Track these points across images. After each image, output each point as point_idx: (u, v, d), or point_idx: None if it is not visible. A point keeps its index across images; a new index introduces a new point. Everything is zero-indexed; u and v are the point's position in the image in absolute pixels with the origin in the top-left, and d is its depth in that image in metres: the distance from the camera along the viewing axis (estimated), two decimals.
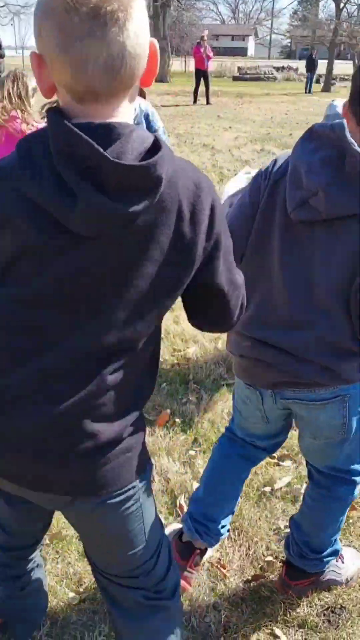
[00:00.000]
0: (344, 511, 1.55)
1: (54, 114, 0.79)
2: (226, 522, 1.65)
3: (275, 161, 1.31)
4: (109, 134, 0.78)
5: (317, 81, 26.47)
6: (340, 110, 3.08)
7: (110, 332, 0.90)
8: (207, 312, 1.07)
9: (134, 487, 1.03)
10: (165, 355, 2.90)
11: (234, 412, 1.64)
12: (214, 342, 3.02)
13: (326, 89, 24.73)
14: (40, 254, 0.85)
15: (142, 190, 0.80)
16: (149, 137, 0.82)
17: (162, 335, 2.98)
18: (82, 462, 0.95)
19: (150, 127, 2.76)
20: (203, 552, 1.68)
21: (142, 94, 2.77)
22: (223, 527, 1.64)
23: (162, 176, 0.80)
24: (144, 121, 2.74)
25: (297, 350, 1.28)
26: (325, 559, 1.58)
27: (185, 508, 1.89)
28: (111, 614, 1.20)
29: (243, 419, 1.58)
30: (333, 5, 26.02)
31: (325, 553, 1.57)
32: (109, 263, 0.86)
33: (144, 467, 1.07)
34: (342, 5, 25.53)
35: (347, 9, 26.78)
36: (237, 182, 2.03)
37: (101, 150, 0.75)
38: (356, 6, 28.47)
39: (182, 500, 1.94)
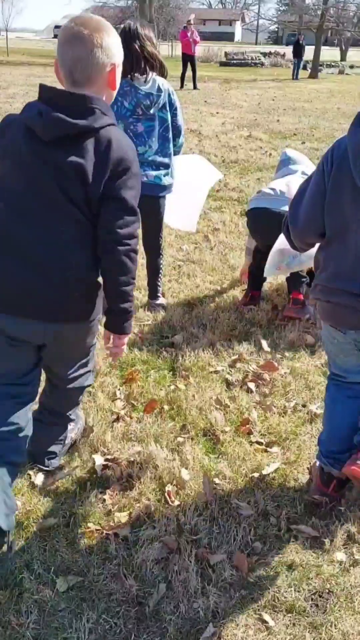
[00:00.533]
0: None
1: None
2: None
3: (333, 149, 1.64)
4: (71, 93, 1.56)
5: (305, 67, 26.33)
6: (292, 155, 3.27)
7: None
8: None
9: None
10: (153, 342, 2.88)
11: (328, 357, 1.97)
12: (202, 329, 3.01)
13: (313, 75, 24.65)
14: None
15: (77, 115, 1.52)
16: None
17: (150, 322, 2.94)
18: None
19: (172, 104, 2.93)
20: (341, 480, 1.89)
21: (164, 74, 2.92)
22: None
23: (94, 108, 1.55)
24: (167, 99, 2.89)
25: None
26: None
27: (173, 496, 1.89)
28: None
29: (336, 358, 1.89)
30: None
31: None
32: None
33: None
34: None
35: None
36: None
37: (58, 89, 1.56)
38: None
39: (171, 487, 1.94)
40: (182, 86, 16.13)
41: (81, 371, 1.88)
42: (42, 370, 1.82)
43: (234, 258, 4.00)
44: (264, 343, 2.89)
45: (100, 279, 1.67)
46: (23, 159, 1.56)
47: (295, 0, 28.06)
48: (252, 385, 2.56)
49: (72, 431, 2.09)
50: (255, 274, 3.29)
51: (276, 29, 56.57)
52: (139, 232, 1.69)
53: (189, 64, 16.41)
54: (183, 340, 2.91)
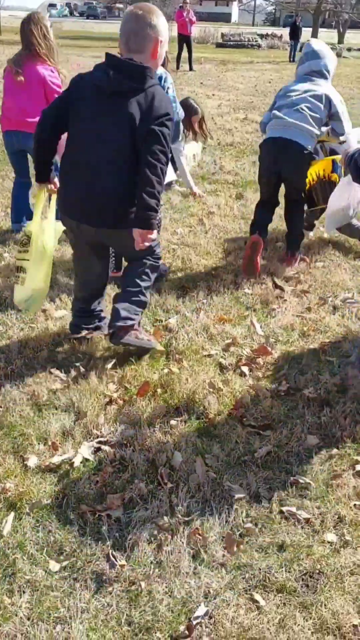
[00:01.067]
0: None
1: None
2: None
3: None
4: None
5: (302, 49, 26.01)
6: (316, 47, 3.42)
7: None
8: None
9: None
10: (147, 325, 2.87)
11: None
12: (196, 313, 3.00)
13: None
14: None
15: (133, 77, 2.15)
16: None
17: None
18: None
19: (162, 87, 3.00)
20: None
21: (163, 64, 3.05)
22: None
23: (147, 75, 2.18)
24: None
25: None
26: None
27: (166, 478, 1.90)
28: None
29: None
30: None
31: None
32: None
33: None
34: None
35: None
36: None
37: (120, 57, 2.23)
38: None
39: (163, 470, 1.94)
40: (177, 67, 15.90)
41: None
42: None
43: (228, 242, 3.98)
44: (258, 327, 2.89)
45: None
46: (90, 107, 2.23)
47: None
48: (245, 369, 2.56)
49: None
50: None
51: (273, 10, 55.79)
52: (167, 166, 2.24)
53: (184, 45, 16.16)
54: (177, 323, 2.90)
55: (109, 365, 2.51)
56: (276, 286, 3.31)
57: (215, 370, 2.54)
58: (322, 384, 2.45)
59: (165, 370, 2.52)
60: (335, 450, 2.08)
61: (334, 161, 3.57)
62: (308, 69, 3.54)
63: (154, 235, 2.25)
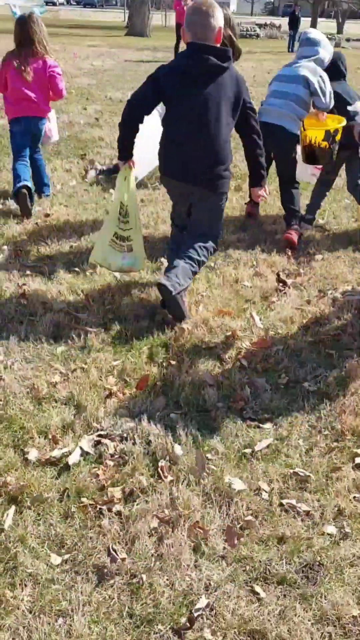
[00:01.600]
0: None
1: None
2: None
3: None
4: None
5: (299, 40, 25.86)
6: (310, 35, 3.76)
7: None
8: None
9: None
10: (146, 318, 2.86)
11: None
12: (195, 306, 2.99)
13: None
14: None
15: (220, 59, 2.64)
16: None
17: (144, 296, 2.89)
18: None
19: None
20: None
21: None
22: None
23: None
24: None
25: None
26: None
27: (167, 471, 1.90)
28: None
29: None
30: None
31: None
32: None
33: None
34: None
35: None
36: None
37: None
38: None
39: (164, 463, 1.95)
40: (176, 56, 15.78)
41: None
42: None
43: (227, 234, 3.97)
44: (257, 320, 2.89)
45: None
46: (184, 88, 2.66)
47: None
48: (245, 362, 2.56)
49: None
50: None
51: (272, 0, 55.28)
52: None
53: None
54: (178, 321, 2.89)
55: (110, 358, 2.51)
56: (279, 280, 3.30)
57: (215, 364, 2.54)
58: (322, 377, 2.45)
59: (165, 364, 2.52)
60: (335, 444, 2.09)
61: (327, 131, 3.71)
62: (300, 54, 3.83)
63: (265, 188, 3.06)
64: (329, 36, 26.87)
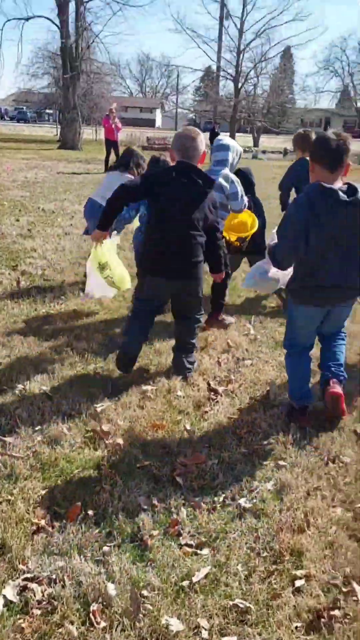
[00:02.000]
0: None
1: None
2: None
3: (295, 200, 2.93)
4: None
5: None
6: (221, 141, 4.32)
7: None
8: None
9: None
10: (77, 437, 2.78)
11: (295, 335, 3.11)
12: (128, 421, 2.95)
13: None
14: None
15: (199, 176, 3.30)
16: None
17: (74, 412, 2.81)
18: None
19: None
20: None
21: None
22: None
23: None
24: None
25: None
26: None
27: (99, 616, 1.77)
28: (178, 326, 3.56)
29: (302, 335, 3.09)
30: (232, 84, 28.30)
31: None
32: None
33: None
34: (240, 85, 27.78)
35: (245, 88, 29.13)
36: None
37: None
38: (252, 86, 31.11)
39: (96, 606, 1.81)
40: (106, 169, 16.72)
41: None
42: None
43: (159, 341, 4.03)
44: (190, 430, 2.87)
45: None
46: (170, 191, 3.20)
47: (210, 93, 30.42)
48: (180, 480, 2.50)
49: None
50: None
51: (194, 117, 60.83)
52: None
53: (112, 149, 17.13)
54: (110, 434, 2.84)
55: (38, 487, 2.38)
56: (210, 388, 3.34)
57: (150, 484, 2.47)
58: (257, 491, 2.43)
59: (97, 488, 2.42)
60: (274, 566, 2.03)
61: (239, 237, 4.61)
62: (214, 159, 4.31)
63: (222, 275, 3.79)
64: (246, 149, 29.67)
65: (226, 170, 4.21)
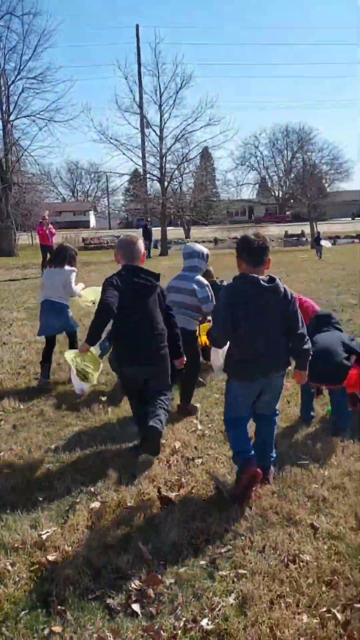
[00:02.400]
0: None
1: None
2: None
3: (225, 288, 3.32)
4: None
5: (155, 246, 29.41)
6: (189, 249, 4.74)
7: None
8: None
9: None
10: (21, 572, 2.56)
11: (232, 408, 3.37)
12: (75, 545, 2.76)
13: (163, 252, 27.48)
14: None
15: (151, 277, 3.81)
16: None
17: (18, 544, 2.60)
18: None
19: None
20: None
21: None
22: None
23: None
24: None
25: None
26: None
27: None
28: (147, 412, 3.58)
29: (239, 407, 3.34)
30: (159, 184, 29.96)
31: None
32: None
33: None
34: (165, 184, 29.46)
35: (171, 187, 30.90)
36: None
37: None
38: (178, 184, 33.06)
39: None
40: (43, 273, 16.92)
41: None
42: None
43: (106, 451, 3.89)
44: (145, 551, 2.71)
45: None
46: (130, 295, 3.60)
47: (139, 194, 32.02)
48: (136, 608, 2.33)
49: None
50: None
51: (126, 216, 63.58)
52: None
53: (47, 254, 17.46)
54: (58, 563, 2.63)
55: None
56: (161, 497, 3.22)
57: (104, 619, 2.28)
58: (219, 608, 2.29)
59: (47, 631, 2.20)
60: None
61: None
62: (186, 265, 4.68)
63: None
64: (178, 240, 30.92)
65: (199, 276, 4.59)
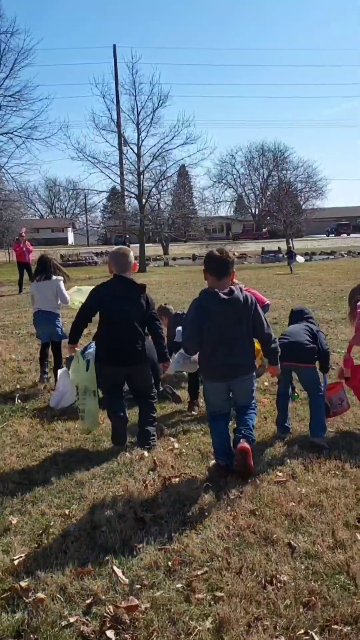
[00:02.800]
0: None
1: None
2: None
3: (192, 302, 3.66)
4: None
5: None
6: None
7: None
8: None
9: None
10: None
11: (209, 404, 3.81)
12: (51, 570, 2.69)
13: (142, 269, 27.45)
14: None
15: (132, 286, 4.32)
16: None
17: None
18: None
19: None
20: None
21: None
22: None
23: None
24: None
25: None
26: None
27: None
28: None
29: (214, 403, 3.77)
30: (137, 201, 30.07)
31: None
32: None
33: None
34: (144, 201, 29.57)
35: (149, 204, 30.99)
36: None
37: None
38: (156, 201, 33.21)
39: None
40: (20, 290, 16.76)
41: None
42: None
43: (81, 472, 3.82)
44: (120, 573, 2.66)
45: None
46: (115, 303, 4.14)
47: (117, 211, 32.06)
48: (111, 635, 2.26)
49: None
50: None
51: (104, 232, 63.55)
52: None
53: (24, 270, 17.31)
54: (30, 590, 2.55)
55: None
56: (137, 518, 3.16)
57: None
58: (195, 634, 2.24)
59: None
60: None
61: None
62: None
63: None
64: (157, 257, 30.75)
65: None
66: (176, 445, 4.30)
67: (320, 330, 4.57)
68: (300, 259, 28.52)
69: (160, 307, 6.13)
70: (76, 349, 4.45)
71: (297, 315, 4.78)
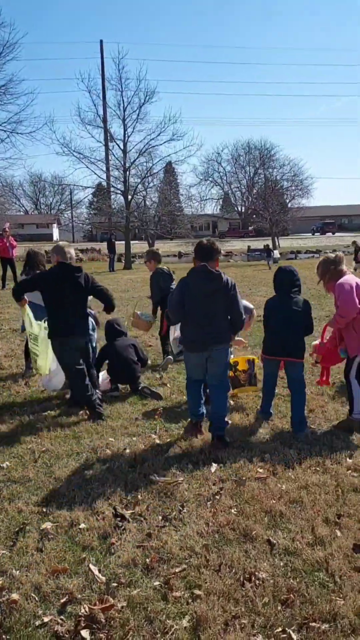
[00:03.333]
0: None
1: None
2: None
3: (179, 281, 4.21)
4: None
5: (119, 260, 29.24)
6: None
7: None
8: None
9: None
10: None
11: (188, 371, 4.33)
12: (26, 569, 2.63)
13: (127, 266, 27.32)
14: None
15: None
16: None
17: None
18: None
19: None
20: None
21: None
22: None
23: None
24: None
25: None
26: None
27: None
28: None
29: (192, 371, 4.27)
30: (123, 197, 29.90)
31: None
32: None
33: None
34: (130, 198, 29.41)
35: (135, 200, 30.82)
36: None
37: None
38: (142, 198, 33.03)
39: None
40: (3, 286, 16.57)
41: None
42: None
43: (60, 468, 3.76)
44: (96, 571, 2.61)
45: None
46: (58, 284, 4.72)
47: (103, 207, 31.82)
48: (86, 634, 2.22)
49: None
50: None
51: (90, 229, 63.13)
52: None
53: (8, 266, 17.12)
54: (4, 589, 2.49)
55: None
56: (116, 514, 3.11)
57: None
58: (172, 632, 2.20)
59: None
60: None
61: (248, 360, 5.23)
62: None
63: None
64: (143, 254, 30.30)
65: None
66: (157, 441, 4.25)
67: (306, 301, 4.48)
68: (276, 253, 29.45)
69: (150, 250, 6.96)
70: (23, 305, 5.09)
71: (284, 282, 4.52)
